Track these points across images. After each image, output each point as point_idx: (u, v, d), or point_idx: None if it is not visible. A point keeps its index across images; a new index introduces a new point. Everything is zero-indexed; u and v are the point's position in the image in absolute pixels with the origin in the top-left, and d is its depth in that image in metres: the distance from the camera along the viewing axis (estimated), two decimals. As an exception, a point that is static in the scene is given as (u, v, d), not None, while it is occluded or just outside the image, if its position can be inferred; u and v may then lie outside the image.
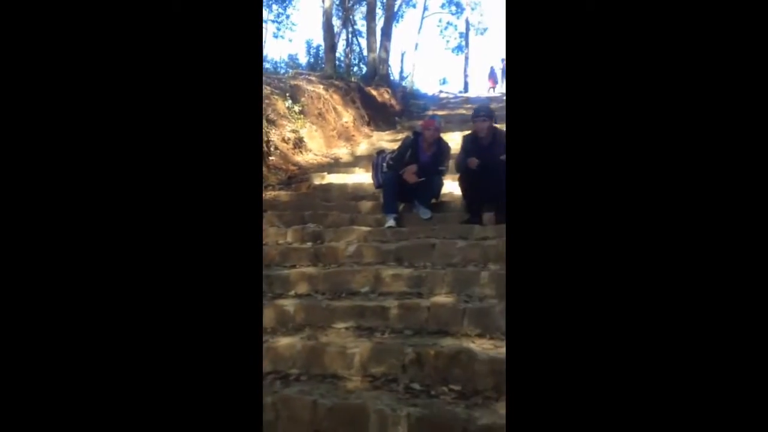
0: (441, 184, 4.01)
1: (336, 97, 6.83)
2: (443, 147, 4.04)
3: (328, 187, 4.67)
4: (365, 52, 11.46)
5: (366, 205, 4.15)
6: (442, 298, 2.63)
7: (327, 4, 9.90)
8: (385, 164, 4.00)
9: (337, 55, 10.93)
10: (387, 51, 10.35)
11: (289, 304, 2.62)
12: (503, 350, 2.09)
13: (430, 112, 8.94)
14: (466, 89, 16.76)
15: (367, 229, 3.52)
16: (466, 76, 18.50)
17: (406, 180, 3.79)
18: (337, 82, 7.34)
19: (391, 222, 3.64)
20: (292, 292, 2.88)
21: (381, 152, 4.20)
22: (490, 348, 2.14)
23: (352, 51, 12.50)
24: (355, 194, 4.49)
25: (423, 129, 4.01)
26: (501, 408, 1.81)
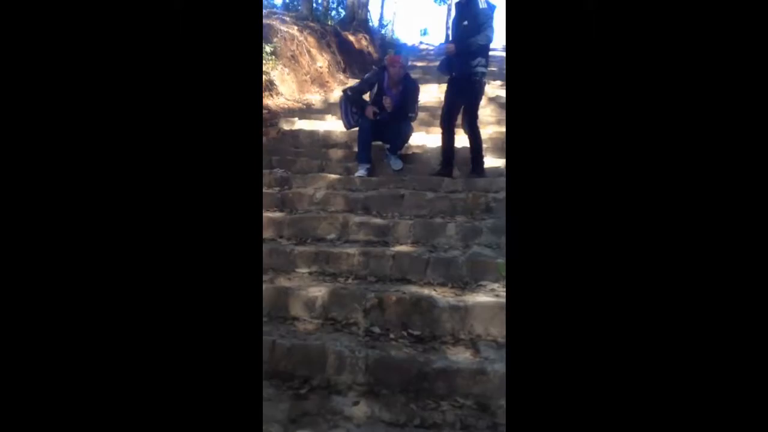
0: (410, 130, 3.89)
1: (311, 40, 6.56)
2: (410, 87, 3.84)
3: (297, 133, 4.56)
4: (344, -4, 10.97)
5: (337, 153, 4.08)
6: (408, 248, 2.65)
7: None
8: (343, 93, 3.87)
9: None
10: (367, -5, 9.94)
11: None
12: (462, 298, 2.15)
13: (410, 63, 8.72)
14: (447, 41, 16.36)
15: (336, 177, 3.48)
16: (447, 28, 18.02)
17: (367, 117, 3.70)
18: (312, 24, 7.03)
19: (362, 172, 3.59)
20: (257, 236, 2.85)
21: (346, 90, 4.01)
22: (451, 296, 2.19)
23: (330, -7, 11.94)
24: (325, 141, 4.41)
25: (388, 65, 3.81)
26: (456, 353, 1.87)
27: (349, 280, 2.36)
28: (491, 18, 3.44)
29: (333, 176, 3.50)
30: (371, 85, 3.84)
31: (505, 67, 3.89)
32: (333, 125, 4.83)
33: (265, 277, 2.39)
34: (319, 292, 2.13)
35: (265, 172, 3.60)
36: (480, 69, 3.48)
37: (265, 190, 3.37)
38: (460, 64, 3.43)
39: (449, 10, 21.07)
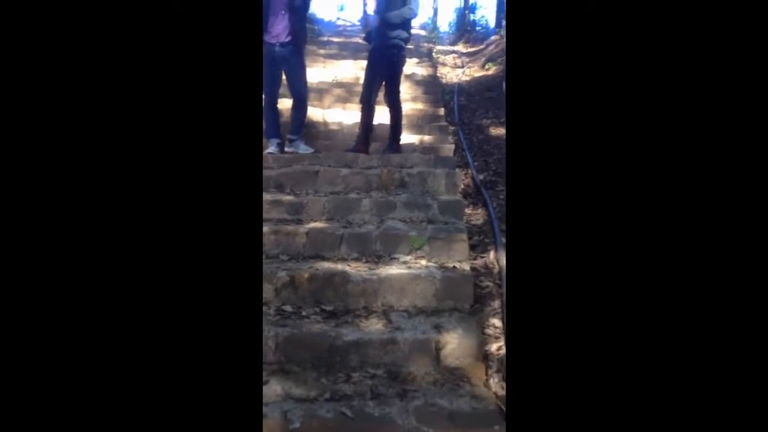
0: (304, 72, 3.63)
1: (220, 11, 6.20)
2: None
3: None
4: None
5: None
6: (321, 224, 2.63)
7: None
8: None
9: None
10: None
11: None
12: (376, 271, 2.17)
13: (325, 38, 8.54)
14: (364, 20, 16.21)
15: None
16: (365, 4, 17.82)
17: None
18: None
19: (272, 149, 3.48)
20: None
21: None
22: (364, 270, 2.20)
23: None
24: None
25: None
26: (369, 326, 1.90)
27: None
28: None
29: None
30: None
31: (416, 44, 3.89)
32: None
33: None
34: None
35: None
36: (402, 41, 3.49)
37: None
38: (384, 35, 3.42)
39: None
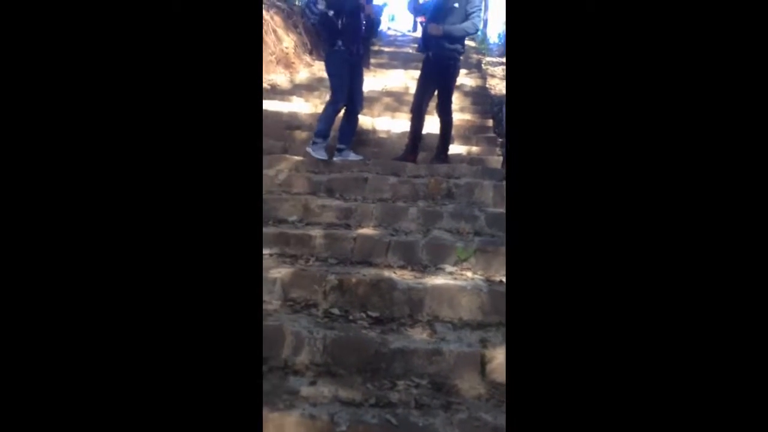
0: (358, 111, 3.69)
1: (277, 19, 6.40)
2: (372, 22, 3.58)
3: (263, 113, 4.47)
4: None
5: (300, 135, 4.04)
6: (369, 231, 2.67)
7: None
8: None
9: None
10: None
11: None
12: (422, 280, 2.18)
13: (376, 48, 8.65)
14: (414, 28, 16.31)
15: (300, 158, 3.44)
16: (415, 15, 17.90)
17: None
18: (279, 3, 6.85)
19: (318, 151, 3.43)
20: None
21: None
22: (410, 278, 2.22)
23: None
24: (290, 123, 4.34)
25: None
26: (414, 334, 1.91)
27: (310, 262, 2.36)
28: (480, 8, 3.46)
29: (296, 158, 3.46)
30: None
31: (465, 54, 3.88)
32: (298, 106, 4.77)
33: (223, 258, 2.35)
34: (279, 273, 2.11)
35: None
36: (458, 53, 3.50)
37: (225, 170, 3.30)
38: (441, 45, 3.42)
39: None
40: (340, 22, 3.36)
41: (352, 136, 3.71)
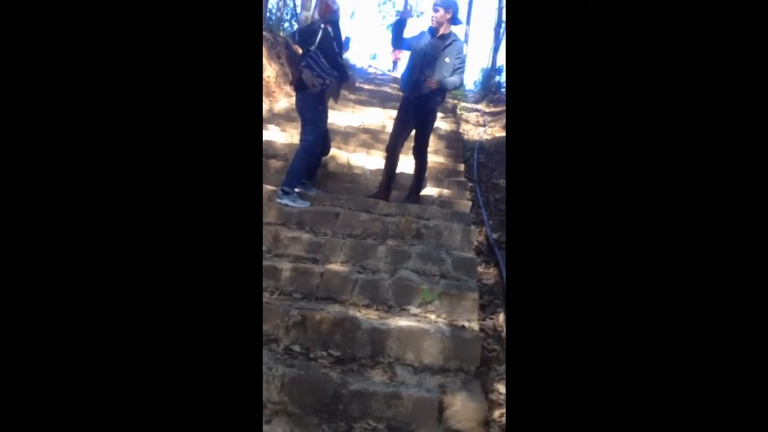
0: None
1: (262, 48, 6.51)
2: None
3: (238, 140, 4.47)
4: (298, 10, 10.99)
5: (275, 164, 4.05)
6: (337, 267, 2.67)
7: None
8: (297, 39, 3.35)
9: (270, 6, 10.35)
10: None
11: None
12: (386, 321, 2.18)
13: (357, 84, 8.84)
14: (394, 68, 16.80)
15: (273, 188, 3.44)
16: (394, 63, 18.46)
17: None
18: (264, 33, 6.98)
19: (286, 200, 3.17)
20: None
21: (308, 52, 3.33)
22: (375, 318, 2.22)
23: (285, 5, 11.92)
24: (266, 151, 4.35)
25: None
26: (374, 375, 1.90)
27: (275, 295, 2.33)
28: (464, 63, 3.62)
29: (270, 187, 3.45)
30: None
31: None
32: (275, 135, 4.79)
33: (185, 286, 2.30)
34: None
35: (198, 176, 3.49)
36: (440, 100, 3.64)
37: (196, 194, 3.26)
38: (427, 95, 3.52)
39: (396, 30, 21.49)
40: (320, 57, 3.26)
41: (305, 178, 3.51)
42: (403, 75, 3.76)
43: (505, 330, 2.35)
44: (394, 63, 16.46)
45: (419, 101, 3.56)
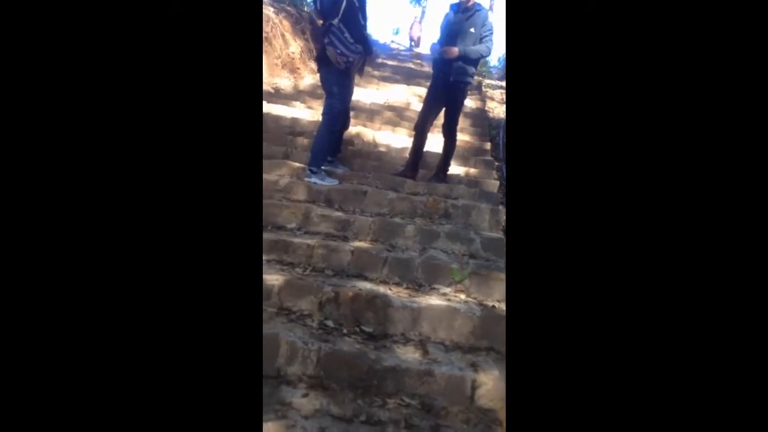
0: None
1: (286, 23, 6.43)
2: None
3: (264, 117, 4.48)
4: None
5: (302, 141, 4.05)
6: (366, 244, 2.68)
7: None
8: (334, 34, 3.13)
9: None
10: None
11: (210, 229, 2.54)
12: (417, 299, 2.20)
13: (380, 60, 8.73)
14: (417, 44, 16.51)
15: (301, 165, 3.45)
16: (420, 30, 18.12)
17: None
18: (289, 8, 6.90)
19: (315, 179, 3.20)
20: (215, 218, 2.79)
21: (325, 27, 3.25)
22: (405, 296, 2.24)
23: (308, -22, 11.74)
24: (292, 128, 4.36)
25: None
26: (406, 353, 1.92)
27: (307, 272, 2.36)
28: (492, 31, 3.52)
29: (297, 164, 3.47)
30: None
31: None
32: (301, 113, 4.79)
33: (220, 261, 2.35)
34: (276, 280, 2.12)
35: (228, 152, 3.52)
36: (470, 76, 3.56)
37: (226, 171, 3.29)
38: (455, 68, 3.46)
39: (423, 13, 21.11)
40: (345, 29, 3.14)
41: (330, 155, 3.51)
42: (432, 52, 3.69)
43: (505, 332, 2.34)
44: (412, 40, 16.17)
45: (451, 80, 3.50)
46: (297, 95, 5.46)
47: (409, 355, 1.92)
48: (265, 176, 3.26)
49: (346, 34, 3.20)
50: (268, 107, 4.71)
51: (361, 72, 3.59)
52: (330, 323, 2.02)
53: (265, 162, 3.49)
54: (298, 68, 6.19)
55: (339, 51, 3.19)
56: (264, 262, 2.40)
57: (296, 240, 2.54)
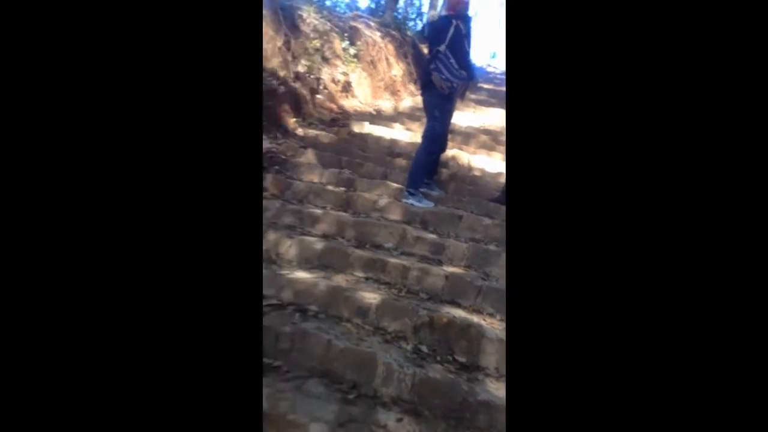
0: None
1: (390, 47, 6.65)
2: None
3: (366, 137, 4.64)
4: (425, 8, 11.08)
5: (401, 162, 4.13)
6: (461, 270, 2.66)
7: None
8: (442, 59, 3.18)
9: (398, 5, 10.55)
10: (447, 11, 9.94)
11: (315, 242, 2.67)
12: (513, 334, 2.14)
13: (477, 84, 8.69)
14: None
15: (399, 186, 3.52)
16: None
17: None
18: (394, 32, 7.13)
19: (412, 200, 3.23)
20: (320, 232, 2.92)
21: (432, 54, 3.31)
22: (499, 329, 2.19)
23: (411, 4, 12.08)
24: (391, 149, 4.47)
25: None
26: (499, 388, 1.87)
27: (402, 293, 2.39)
28: None
29: (395, 185, 3.55)
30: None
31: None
32: (400, 134, 4.90)
33: (321, 274, 2.45)
34: (374, 299, 2.17)
35: (334, 171, 3.69)
36: None
37: (332, 188, 3.46)
38: None
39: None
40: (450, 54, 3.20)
41: (427, 177, 3.54)
42: None
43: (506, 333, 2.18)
44: None
45: None
46: (397, 117, 5.59)
47: (503, 390, 1.86)
48: (365, 195, 3.37)
49: (452, 60, 3.24)
50: (369, 128, 4.88)
51: (462, 97, 3.61)
52: (424, 348, 2.03)
53: (365, 181, 3.61)
54: (398, 91, 6.36)
55: (444, 77, 3.24)
56: (362, 279, 2.47)
57: (392, 260, 2.58)
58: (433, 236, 2.97)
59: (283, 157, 3.87)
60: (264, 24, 4.42)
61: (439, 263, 2.74)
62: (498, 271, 2.73)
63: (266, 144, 3.82)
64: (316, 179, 3.62)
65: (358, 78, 5.59)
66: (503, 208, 3.41)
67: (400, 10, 11.19)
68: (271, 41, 4.62)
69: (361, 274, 2.50)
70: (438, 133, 3.40)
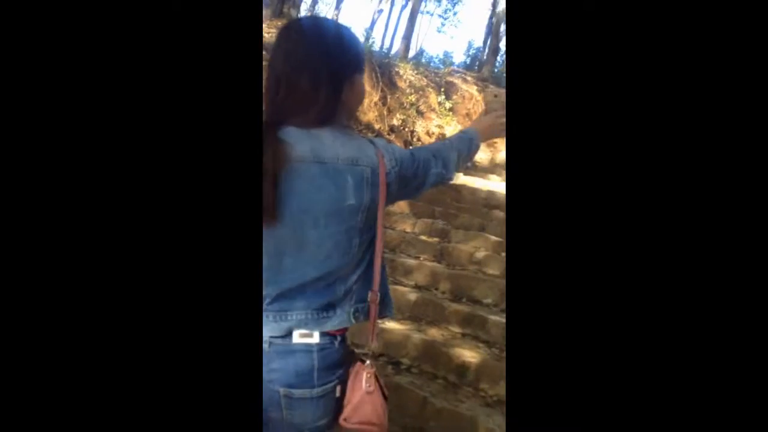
0: None
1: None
2: None
3: (460, 188, 4.59)
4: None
5: (498, 214, 4.00)
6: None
7: (499, 8, 9.73)
8: None
9: (498, 59, 10.71)
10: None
11: (409, 293, 2.60)
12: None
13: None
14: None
15: (498, 239, 3.39)
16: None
17: None
18: (491, 86, 7.18)
19: None
20: (413, 282, 2.86)
21: None
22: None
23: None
24: (487, 201, 4.36)
25: None
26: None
27: (503, 354, 2.22)
28: None
29: (494, 238, 3.41)
30: None
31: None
32: (496, 185, 4.79)
33: (416, 326, 2.36)
34: (473, 358, 2.03)
35: (427, 221, 3.66)
36: None
37: (425, 239, 3.41)
38: None
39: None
40: None
41: None
42: None
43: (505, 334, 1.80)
44: None
45: None
46: (493, 168, 5.51)
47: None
48: (461, 247, 3.27)
49: None
50: (465, 179, 4.84)
51: None
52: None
53: (461, 232, 3.52)
54: (495, 142, 6.31)
55: None
56: (459, 335, 2.34)
57: (492, 317, 2.43)
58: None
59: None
60: (362, 79, 4.64)
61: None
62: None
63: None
64: (408, 229, 3.60)
65: (454, 130, 5.63)
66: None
67: (497, 65, 11.35)
68: (368, 96, 4.83)
69: (457, 330, 2.38)
70: None
